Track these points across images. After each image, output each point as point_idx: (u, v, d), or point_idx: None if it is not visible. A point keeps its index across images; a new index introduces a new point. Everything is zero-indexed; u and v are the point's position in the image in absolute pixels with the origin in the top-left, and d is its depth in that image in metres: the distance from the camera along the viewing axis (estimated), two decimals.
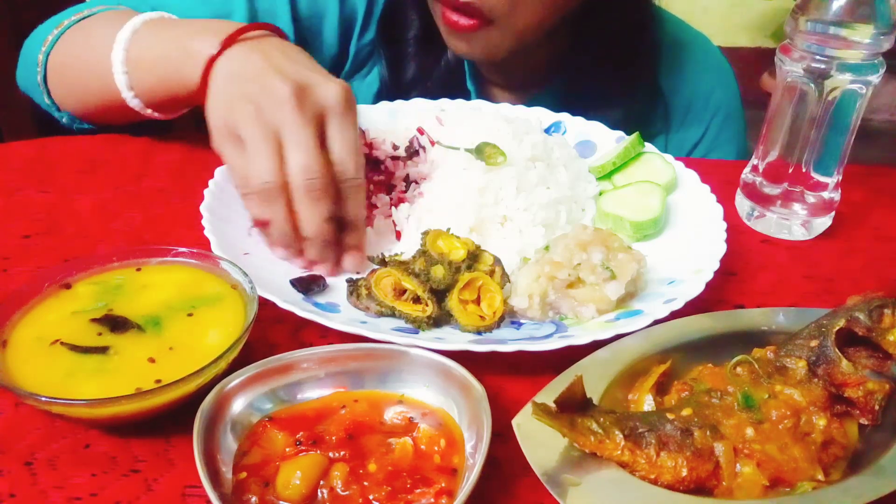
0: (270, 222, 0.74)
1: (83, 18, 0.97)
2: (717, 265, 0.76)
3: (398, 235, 0.83)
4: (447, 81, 1.11)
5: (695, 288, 0.72)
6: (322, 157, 0.72)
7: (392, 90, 1.12)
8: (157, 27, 0.87)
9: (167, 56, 0.83)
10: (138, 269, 0.68)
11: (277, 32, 0.83)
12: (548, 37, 1.03)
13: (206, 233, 0.76)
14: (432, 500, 0.52)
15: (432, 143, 0.90)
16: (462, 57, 1.08)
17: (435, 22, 1.04)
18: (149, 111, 0.91)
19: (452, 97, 1.06)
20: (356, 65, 1.16)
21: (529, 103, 1.06)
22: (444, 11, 0.98)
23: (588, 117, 1.02)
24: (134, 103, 0.89)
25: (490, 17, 0.96)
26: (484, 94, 1.17)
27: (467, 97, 1.13)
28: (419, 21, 1.09)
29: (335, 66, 1.15)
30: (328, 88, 0.74)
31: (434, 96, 1.06)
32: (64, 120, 1.03)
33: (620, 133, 1.00)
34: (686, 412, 0.57)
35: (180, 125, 1.06)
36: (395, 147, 0.92)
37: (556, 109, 1.04)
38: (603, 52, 1.09)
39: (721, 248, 0.78)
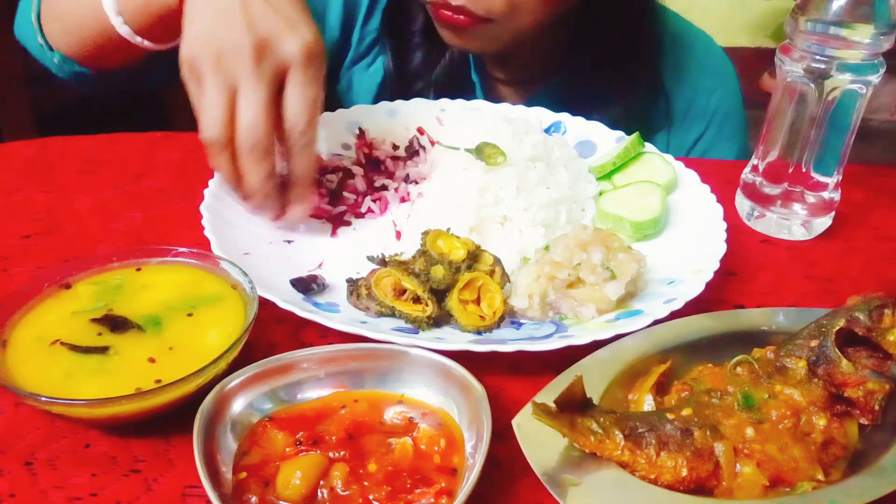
0: (219, 168, 0.77)
1: None
2: (717, 265, 0.76)
3: (398, 235, 0.83)
4: (452, 73, 1.11)
5: (695, 288, 0.72)
6: (271, 116, 0.73)
7: (396, 80, 1.12)
8: None
9: None
10: (138, 269, 0.68)
11: None
12: (549, 31, 1.04)
13: (206, 233, 0.76)
14: (432, 500, 0.52)
15: (432, 143, 0.90)
16: (458, 49, 1.08)
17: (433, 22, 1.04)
18: (139, 39, 0.89)
19: (457, 89, 1.06)
20: (359, 53, 1.17)
21: (533, 96, 1.06)
22: (438, 9, 0.98)
23: (591, 114, 1.02)
24: (124, 30, 0.88)
25: (487, 18, 0.96)
26: (488, 87, 1.17)
27: (472, 89, 1.13)
28: (424, 14, 1.09)
29: (337, 53, 1.16)
30: (291, 42, 0.73)
31: (438, 88, 1.06)
32: (56, 60, 1.00)
33: (620, 133, 1.00)
34: (686, 412, 0.57)
35: (180, 125, 1.06)
36: (395, 147, 0.92)
37: (560, 104, 1.04)
38: (604, 47, 1.09)
39: (721, 248, 0.78)
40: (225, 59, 0.72)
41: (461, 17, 0.96)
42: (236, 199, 0.80)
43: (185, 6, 0.77)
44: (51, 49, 1.00)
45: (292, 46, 0.73)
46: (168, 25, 0.86)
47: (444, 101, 1.04)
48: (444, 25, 1.01)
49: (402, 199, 0.86)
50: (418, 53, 1.12)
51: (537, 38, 1.04)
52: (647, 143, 0.96)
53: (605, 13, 1.07)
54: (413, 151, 0.91)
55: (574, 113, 1.03)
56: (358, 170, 0.90)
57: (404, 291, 0.71)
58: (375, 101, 1.10)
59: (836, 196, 0.90)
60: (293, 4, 0.76)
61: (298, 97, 0.74)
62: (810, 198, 0.89)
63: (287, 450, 0.55)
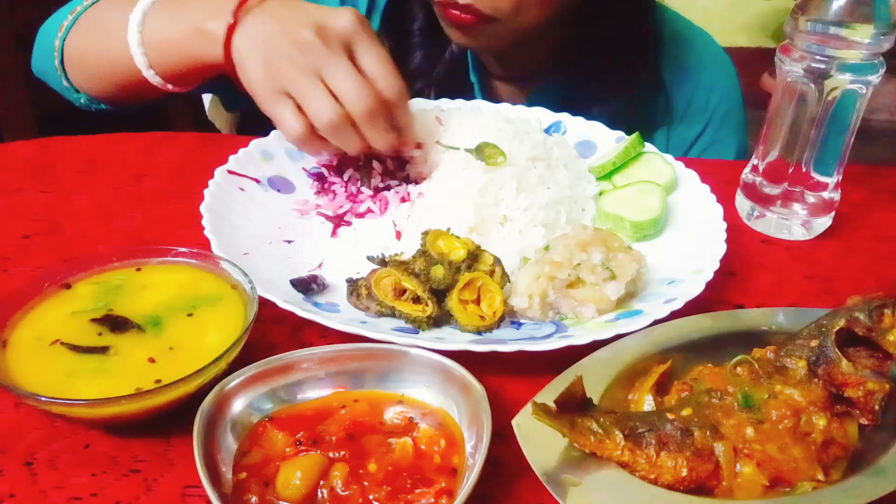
0: (343, 150, 0.82)
1: (94, 2, 1.00)
2: (717, 265, 0.76)
3: (398, 235, 0.83)
4: (450, 73, 1.12)
5: (695, 288, 0.72)
6: (365, 79, 0.79)
7: None
8: (167, 7, 0.90)
9: (182, 39, 0.87)
10: (138, 269, 0.68)
11: None
12: (550, 28, 1.04)
13: (206, 233, 0.76)
14: (432, 500, 0.52)
15: (419, 147, 0.89)
16: (463, 47, 1.08)
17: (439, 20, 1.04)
18: (170, 86, 0.94)
19: (455, 89, 1.06)
20: None
21: (533, 94, 1.06)
22: (445, 8, 0.99)
23: (590, 112, 1.02)
24: (156, 81, 0.92)
25: (493, 17, 0.96)
26: (487, 86, 1.17)
27: (470, 89, 1.14)
28: (423, 13, 1.10)
29: None
30: (341, 17, 0.80)
31: (438, 87, 1.06)
32: (82, 101, 1.05)
33: (620, 133, 1.00)
34: (686, 412, 0.57)
35: (180, 125, 1.06)
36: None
37: (559, 101, 1.04)
38: (605, 44, 1.10)
39: (721, 248, 0.78)
40: (300, 59, 0.77)
41: (468, 15, 0.97)
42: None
43: (234, 58, 0.81)
44: (76, 91, 1.04)
45: (345, 19, 0.79)
46: (203, 75, 0.92)
47: (444, 101, 1.04)
48: (450, 24, 1.02)
49: (403, 199, 0.86)
50: (418, 53, 1.12)
51: (540, 36, 1.05)
52: (647, 143, 0.96)
53: (606, 11, 1.07)
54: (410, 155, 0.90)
55: (574, 112, 1.03)
56: (378, 165, 0.90)
57: (404, 291, 0.71)
58: None
59: (836, 196, 0.90)
60: (314, 4, 0.82)
61: (373, 58, 0.80)
62: (810, 198, 0.89)
63: (287, 450, 0.55)
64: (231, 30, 0.81)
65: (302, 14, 0.80)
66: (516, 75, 1.17)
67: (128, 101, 1.04)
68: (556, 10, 1.00)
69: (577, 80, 1.12)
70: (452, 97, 1.06)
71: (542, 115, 1.03)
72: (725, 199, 0.89)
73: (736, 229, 0.88)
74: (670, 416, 0.56)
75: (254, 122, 0.91)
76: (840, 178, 0.89)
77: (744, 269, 0.85)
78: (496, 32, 1.00)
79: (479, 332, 0.70)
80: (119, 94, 1.01)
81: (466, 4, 0.96)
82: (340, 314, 0.71)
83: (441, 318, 0.71)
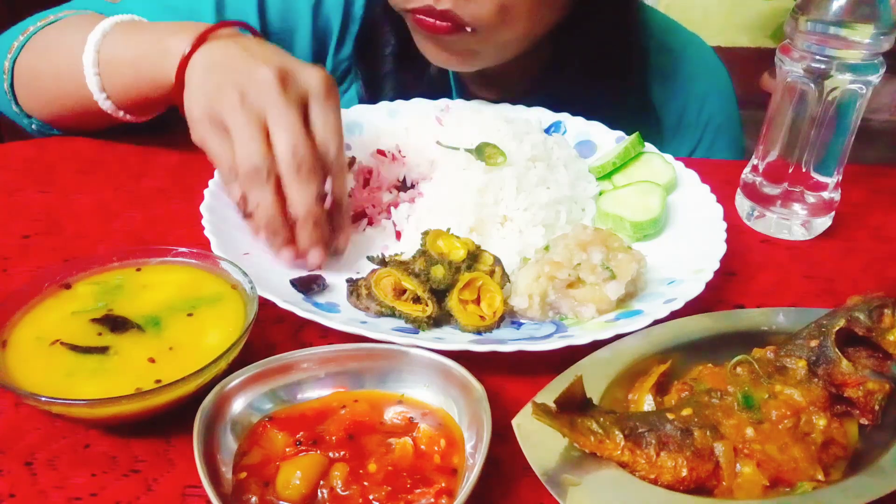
0: (259, 207, 0.73)
1: (49, 24, 0.96)
2: (717, 265, 0.76)
3: (398, 235, 0.83)
4: (431, 98, 1.06)
5: (695, 288, 0.72)
6: (308, 138, 0.73)
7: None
8: (129, 29, 0.88)
9: (140, 56, 0.84)
10: (138, 269, 0.68)
11: (251, 30, 0.84)
12: (533, 50, 1.00)
13: (206, 233, 0.76)
14: (432, 500, 0.52)
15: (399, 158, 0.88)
16: (440, 66, 1.00)
17: (413, 37, 0.98)
18: (121, 113, 0.91)
19: None
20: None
21: None
22: (419, 17, 0.91)
23: None
24: (106, 105, 0.89)
25: (473, 27, 0.89)
26: None
27: None
28: (396, 38, 1.05)
29: None
30: (310, 73, 0.75)
31: None
32: (33, 127, 1.01)
33: (620, 133, 1.00)
34: (686, 412, 0.57)
35: (180, 125, 1.06)
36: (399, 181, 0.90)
37: None
38: (586, 65, 1.06)
39: (721, 248, 0.78)
40: (250, 95, 0.72)
41: (444, 23, 0.89)
42: (277, 246, 0.75)
43: (186, 77, 0.78)
44: (27, 116, 1.00)
45: (312, 76, 0.75)
46: (154, 102, 0.88)
47: (445, 101, 1.04)
48: (426, 37, 0.94)
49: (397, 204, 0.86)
50: (390, 81, 1.08)
51: (521, 57, 1.00)
52: (647, 143, 0.96)
53: (585, 29, 1.02)
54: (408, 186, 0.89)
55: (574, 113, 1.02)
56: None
57: (404, 291, 0.71)
58: None
59: (836, 196, 0.90)
60: (289, 54, 0.78)
61: (326, 122, 0.75)
62: (810, 198, 0.89)
63: (287, 450, 0.55)
64: (194, 49, 0.78)
65: (270, 53, 0.76)
66: (500, 98, 1.12)
67: (81, 127, 1.00)
68: (541, 22, 0.94)
69: (560, 103, 1.05)
70: None
71: (542, 116, 1.03)
72: (725, 199, 0.89)
73: (736, 229, 0.88)
74: (670, 416, 0.56)
75: None
76: (840, 178, 0.89)
77: (744, 269, 0.85)
78: (473, 44, 0.93)
79: (479, 332, 0.70)
80: (71, 119, 0.97)
81: (444, 11, 0.87)
82: (340, 314, 0.71)
83: (441, 318, 0.71)
